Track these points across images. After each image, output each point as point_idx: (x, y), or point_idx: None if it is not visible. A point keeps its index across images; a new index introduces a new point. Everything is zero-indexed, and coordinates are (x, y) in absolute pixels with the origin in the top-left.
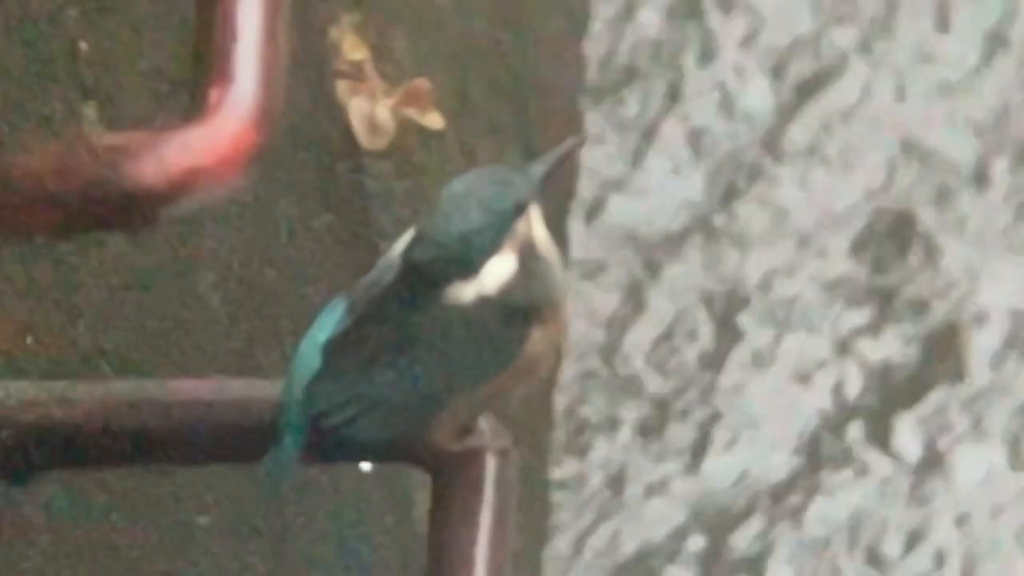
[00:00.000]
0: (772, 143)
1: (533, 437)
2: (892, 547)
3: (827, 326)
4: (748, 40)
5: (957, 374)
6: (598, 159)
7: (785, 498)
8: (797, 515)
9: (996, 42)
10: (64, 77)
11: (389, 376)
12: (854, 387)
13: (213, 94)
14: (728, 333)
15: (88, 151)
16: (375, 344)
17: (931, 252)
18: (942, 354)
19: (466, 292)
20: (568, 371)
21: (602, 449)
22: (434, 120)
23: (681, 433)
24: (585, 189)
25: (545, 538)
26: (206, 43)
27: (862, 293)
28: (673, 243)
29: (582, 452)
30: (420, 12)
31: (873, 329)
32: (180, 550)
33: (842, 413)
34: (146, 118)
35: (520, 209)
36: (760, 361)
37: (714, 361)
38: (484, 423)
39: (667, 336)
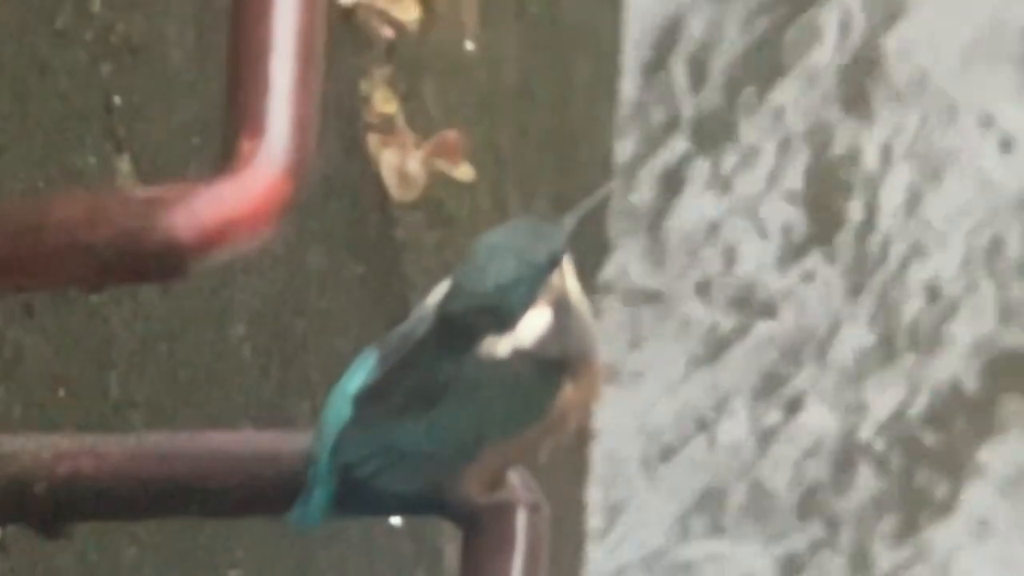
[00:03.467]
0: None
1: (565, 492)
2: None
3: None
4: None
5: None
6: None
7: None
8: None
9: None
10: (98, 130)
11: (419, 428)
12: None
13: (245, 146)
14: None
15: (121, 203)
16: (406, 396)
17: None
18: None
19: (501, 345)
20: None
21: None
22: (465, 172)
23: None
24: None
25: None
26: (238, 95)
27: None
28: None
29: None
30: (450, 64)
31: None
32: None
33: None
34: (179, 171)
35: (554, 261)
36: None
37: None
38: (514, 476)
39: None
